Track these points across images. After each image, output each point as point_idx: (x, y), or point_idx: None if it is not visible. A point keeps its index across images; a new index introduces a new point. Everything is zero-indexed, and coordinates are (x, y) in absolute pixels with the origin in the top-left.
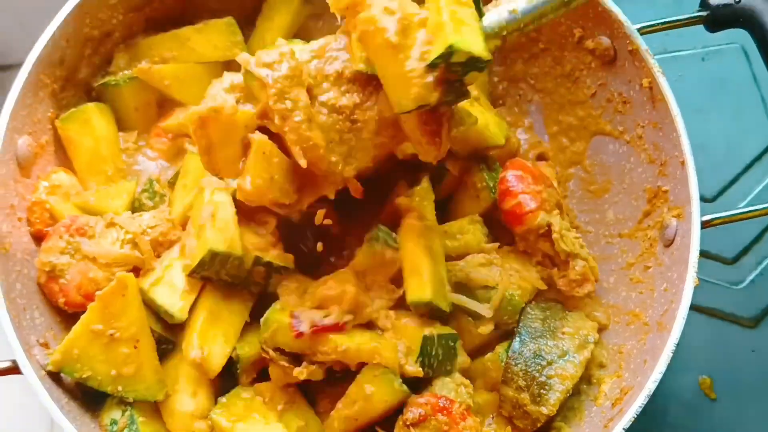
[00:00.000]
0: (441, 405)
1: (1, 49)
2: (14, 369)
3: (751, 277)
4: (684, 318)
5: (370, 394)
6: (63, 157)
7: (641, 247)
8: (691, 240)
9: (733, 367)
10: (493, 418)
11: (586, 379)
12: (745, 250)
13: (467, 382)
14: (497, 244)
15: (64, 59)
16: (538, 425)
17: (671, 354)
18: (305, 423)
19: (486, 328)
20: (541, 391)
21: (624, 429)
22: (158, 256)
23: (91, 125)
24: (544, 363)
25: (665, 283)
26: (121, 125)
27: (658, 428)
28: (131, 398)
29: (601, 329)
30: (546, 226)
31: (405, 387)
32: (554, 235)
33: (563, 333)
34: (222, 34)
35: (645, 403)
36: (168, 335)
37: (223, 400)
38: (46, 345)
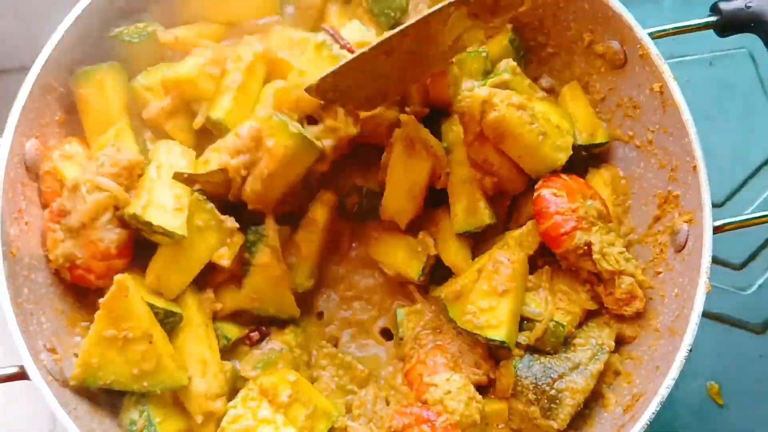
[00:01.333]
0: (425, 417)
1: (6, 53)
2: (22, 375)
3: (759, 283)
4: (697, 324)
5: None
6: None
7: (652, 252)
8: (703, 245)
9: (741, 373)
10: (501, 428)
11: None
12: (753, 256)
13: (479, 397)
14: (548, 269)
15: (73, 62)
16: None
17: (684, 360)
18: (312, 409)
19: None
20: (552, 405)
21: None
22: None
23: (103, 86)
24: (555, 376)
25: (676, 288)
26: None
27: None
28: (159, 390)
29: (628, 341)
30: (584, 246)
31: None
32: (595, 255)
33: (574, 345)
34: None
35: (658, 409)
36: (171, 307)
37: (232, 413)
38: (53, 350)
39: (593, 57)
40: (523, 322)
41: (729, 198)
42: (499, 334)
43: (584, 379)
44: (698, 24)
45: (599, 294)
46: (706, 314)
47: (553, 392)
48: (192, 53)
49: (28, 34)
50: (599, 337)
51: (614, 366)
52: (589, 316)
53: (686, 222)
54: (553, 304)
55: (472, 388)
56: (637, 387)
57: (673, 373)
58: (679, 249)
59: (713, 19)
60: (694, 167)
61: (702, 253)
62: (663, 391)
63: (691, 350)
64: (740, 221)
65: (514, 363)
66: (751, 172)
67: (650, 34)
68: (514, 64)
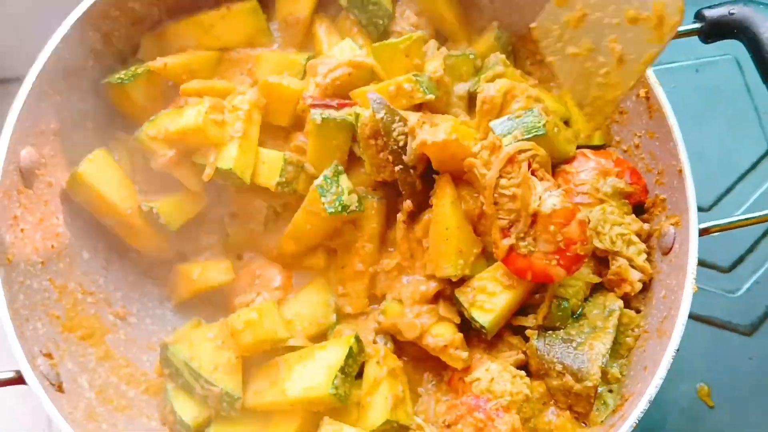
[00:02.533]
0: (475, 404)
1: (1, 63)
2: (19, 380)
3: (747, 286)
4: (684, 324)
5: None
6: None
7: None
8: (690, 247)
9: (731, 375)
10: (552, 409)
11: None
12: (741, 259)
13: (522, 373)
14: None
15: (66, 70)
16: (593, 401)
17: (671, 360)
18: (404, 395)
19: None
20: (579, 366)
21: None
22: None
23: (93, 190)
24: (574, 344)
25: (664, 290)
26: (130, 121)
27: None
28: None
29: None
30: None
31: None
32: (588, 232)
33: (585, 315)
34: (246, 20)
35: (647, 408)
36: None
37: None
38: (49, 355)
39: None
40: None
41: (716, 203)
42: (485, 318)
43: (603, 334)
44: (683, 31)
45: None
46: (695, 317)
47: (574, 354)
48: (189, 103)
49: (24, 44)
50: (607, 301)
51: (626, 315)
52: (594, 289)
53: (673, 225)
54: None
55: (512, 368)
56: (626, 387)
57: (661, 372)
58: (666, 252)
59: (697, 25)
60: (680, 171)
61: (688, 255)
62: (651, 391)
63: (678, 350)
64: (726, 224)
65: (534, 343)
66: (738, 177)
67: None
68: (503, 56)
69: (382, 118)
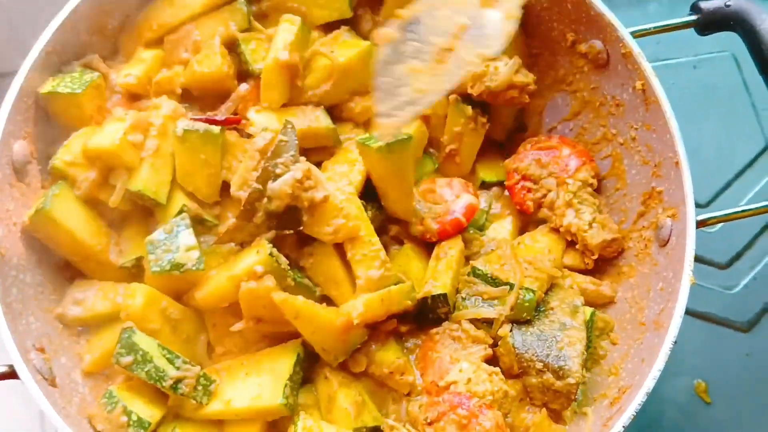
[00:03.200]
0: (457, 402)
1: None
2: (11, 374)
3: (744, 282)
4: (681, 316)
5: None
6: None
7: (636, 247)
8: (687, 239)
9: (728, 371)
10: (528, 407)
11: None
12: (738, 255)
13: (497, 370)
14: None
15: (58, 65)
16: (573, 398)
17: (669, 352)
18: (362, 398)
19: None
20: (560, 363)
21: (624, 426)
22: None
23: (57, 225)
24: (549, 339)
25: (661, 282)
26: (72, 129)
27: None
28: None
29: (608, 303)
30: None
31: None
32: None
33: (552, 309)
34: None
35: (644, 400)
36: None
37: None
38: (42, 350)
39: (576, 57)
40: (494, 300)
41: (713, 199)
42: (440, 289)
43: (576, 330)
44: (679, 23)
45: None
46: (692, 313)
47: (555, 353)
48: (110, 119)
49: (17, 39)
50: (567, 296)
51: (602, 320)
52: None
53: (670, 217)
54: (521, 273)
55: (485, 365)
56: (623, 380)
57: (659, 364)
58: (663, 244)
59: (693, 18)
60: (677, 163)
61: (685, 247)
62: (649, 383)
63: (676, 343)
64: (723, 215)
65: (509, 339)
66: (736, 172)
67: (632, 34)
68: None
69: (284, 141)
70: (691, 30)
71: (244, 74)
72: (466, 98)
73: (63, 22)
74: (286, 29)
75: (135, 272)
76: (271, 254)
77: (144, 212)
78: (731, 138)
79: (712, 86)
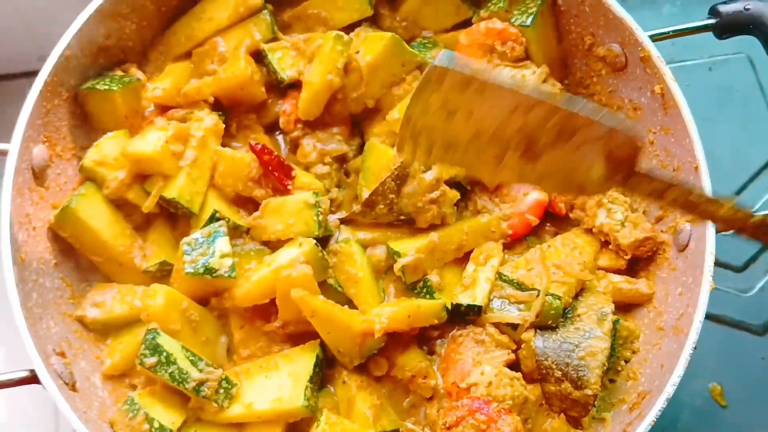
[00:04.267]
0: (477, 406)
1: (12, 58)
2: (33, 379)
3: (760, 285)
4: (701, 321)
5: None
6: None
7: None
8: (706, 244)
9: (744, 375)
10: (547, 413)
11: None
12: (754, 258)
13: (518, 375)
14: (539, 246)
15: (78, 68)
16: (590, 408)
17: (689, 357)
18: (381, 402)
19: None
20: (579, 373)
21: None
22: None
23: (82, 224)
24: (571, 348)
25: (680, 287)
26: (104, 131)
27: None
28: None
29: (647, 300)
30: None
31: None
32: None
33: (578, 316)
34: None
35: (665, 406)
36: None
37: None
38: (62, 354)
39: (594, 60)
40: (521, 304)
41: None
42: (478, 301)
43: (599, 340)
44: (698, 26)
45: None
46: (708, 316)
47: (575, 362)
48: (152, 128)
49: (34, 39)
50: (597, 302)
51: (626, 329)
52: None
53: (689, 221)
54: (548, 279)
55: (507, 370)
56: (642, 385)
57: (679, 370)
58: (682, 248)
59: (712, 21)
60: (696, 168)
61: (705, 252)
62: (669, 389)
63: (696, 348)
64: None
65: (534, 344)
66: (751, 175)
67: (651, 37)
68: None
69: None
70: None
71: (272, 84)
72: None
73: (84, 23)
74: (332, 49)
75: (159, 276)
76: (314, 247)
77: (170, 218)
78: (747, 140)
79: (728, 88)
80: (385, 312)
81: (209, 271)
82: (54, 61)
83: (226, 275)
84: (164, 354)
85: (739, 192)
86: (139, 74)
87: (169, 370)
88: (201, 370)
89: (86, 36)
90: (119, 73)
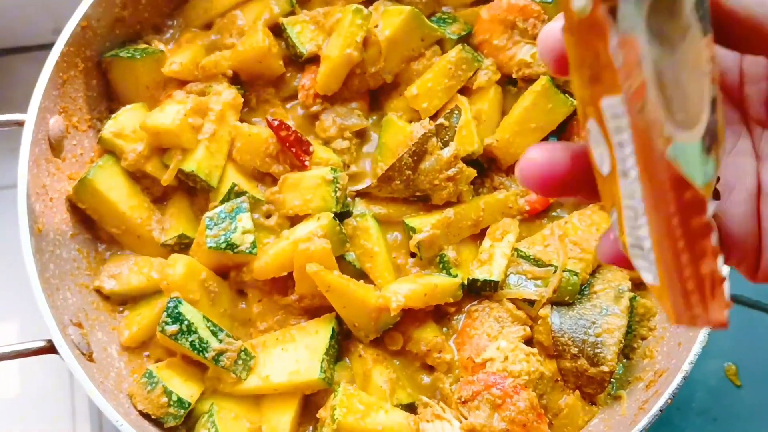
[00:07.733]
0: (492, 381)
1: (26, 30)
2: (50, 349)
3: None
4: None
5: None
6: (94, 134)
7: None
8: None
9: (759, 354)
10: (563, 389)
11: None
12: None
13: (535, 351)
14: (557, 223)
15: (95, 39)
16: (606, 385)
17: (707, 335)
18: (396, 375)
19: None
20: (596, 350)
21: (660, 410)
22: None
23: (100, 196)
24: (588, 325)
25: None
26: (124, 101)
27: (683, 415)
28: None
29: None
30: None
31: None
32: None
33: (595, 293)
34: None
35: (682, 384)
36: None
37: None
38: (79, 325)
39: None
40: (538, 280)
41: None
42: (494, 277)
43: (616, 317)
44: None
45: None
46: None
47: (591, 339)
48: (171, 101)
49: (48, 11)
50: (614, 279)
51: (643, 306)
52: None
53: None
54: (565, 255)
55: (523, 345)
56: (659, 363)
57: (697, 348)
58: None
59: None
60: None
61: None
62: (686, 367)
63: None
64: None
65: (550, 319)
66: None
67: None
68: None
69: (445, 125)
70: None
71: (291, 59)
72: (510, 81)
73: None
74: (351, 22)
75: (177, 250)
76: (332, 221)
77: (188, 191)
78: None
79: None
80: (402, 289)
81: (231, 246)
82: (70, 31)
83: (247, 251)
84: (186, 322)
85: None
86: (161, 46)
87: (190, 339)
88: (221, 341)
89: (102, 6)
90: (142, 45)
